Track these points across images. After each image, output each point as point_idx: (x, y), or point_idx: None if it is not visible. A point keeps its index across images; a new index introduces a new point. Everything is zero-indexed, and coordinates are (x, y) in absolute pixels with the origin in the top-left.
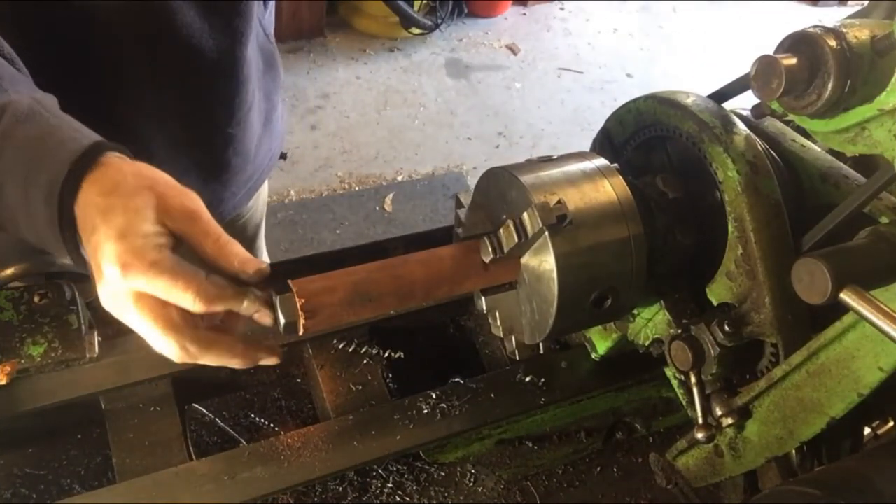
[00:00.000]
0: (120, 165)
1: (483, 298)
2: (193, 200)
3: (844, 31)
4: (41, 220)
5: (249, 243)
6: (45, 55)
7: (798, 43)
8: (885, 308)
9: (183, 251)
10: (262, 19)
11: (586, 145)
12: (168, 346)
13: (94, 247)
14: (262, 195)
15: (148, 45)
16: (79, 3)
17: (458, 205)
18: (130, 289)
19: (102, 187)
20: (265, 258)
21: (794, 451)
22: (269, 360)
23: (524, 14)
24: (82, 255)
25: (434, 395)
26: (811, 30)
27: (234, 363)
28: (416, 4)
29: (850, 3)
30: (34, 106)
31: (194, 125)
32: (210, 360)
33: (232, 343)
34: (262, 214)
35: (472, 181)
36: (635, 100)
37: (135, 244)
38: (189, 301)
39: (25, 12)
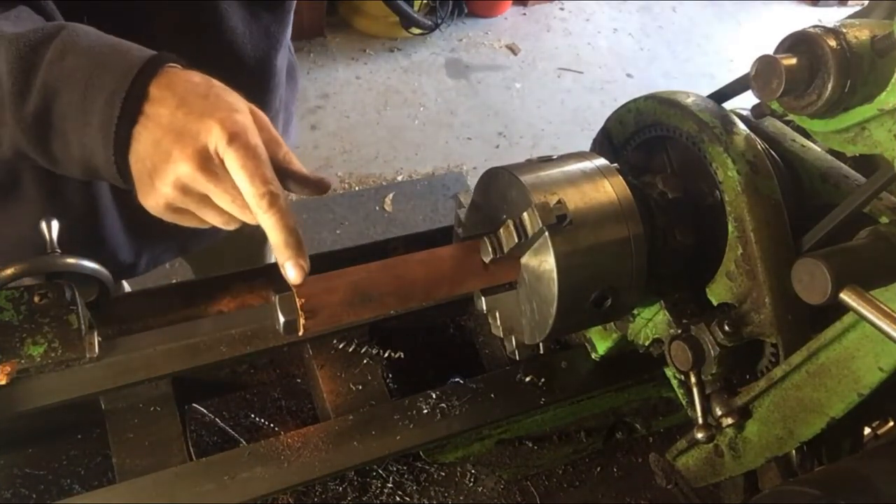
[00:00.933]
0: (188, 73)
1: (483, 298)
2: (255, 110)
3: (844, 31)
4: (96, 122)
5: (259, 245)
6: None
7: (798, 43)
8: (885, 308)
9: None
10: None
11: (586, 145)
12: (230, 207)
13: (181, 124)
14: None
15: (191, 45)
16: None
17: (458, 205)
18: (222, 155)
19: (176, 91)
20: (271, 259)
21: (794, 451)
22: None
23: (524, 14)
24: (128, 170)
25: (434, 395)
26: (811, 30)
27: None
28: (416, 4)
29: (850, 3)
30: (91, 28)
31: None
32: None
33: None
34: None
35: (472, 181)
36: (635, 100)
37: (246, 121)
38: (258, 194)
39: (71, 6)
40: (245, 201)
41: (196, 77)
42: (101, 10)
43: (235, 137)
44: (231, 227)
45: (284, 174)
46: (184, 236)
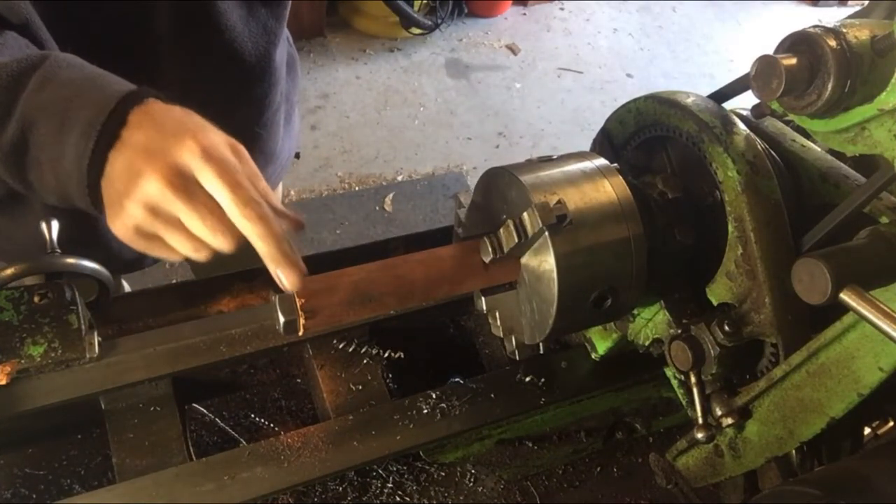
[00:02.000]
0: (167, 106)
1: (483, 298)
2: (237, 143)
3: (844, 31)
4: (70, 156)
5: None
6: (84, 46)
7: (798, 43)
8: (885, 308)
9: None
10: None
11: (586, 145)
12: (215, 239)
13: (153, 144)
14: (277, 193)
15: (191, 44)
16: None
17: (458, 205)
18: (195, 173)
19: (154, 121)
20: None
21: (794, 451)
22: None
23: (524, 14)
24: (100, 197)
25: (434, 395)
26: (811, 30)
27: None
28: (416, 4)
29: (850, 3)
30: (75, 58)
31: (225, 125)
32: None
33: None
34: None
35: (472, 181)
36: (635, 100)
37: (219, 140)
38: (243, 211)
39: (70, 7)
40: (216, 223)
41: (177, 109)
42: (99, 10)
43: (210, 151)
44: (201, 255)
45: None
46: None
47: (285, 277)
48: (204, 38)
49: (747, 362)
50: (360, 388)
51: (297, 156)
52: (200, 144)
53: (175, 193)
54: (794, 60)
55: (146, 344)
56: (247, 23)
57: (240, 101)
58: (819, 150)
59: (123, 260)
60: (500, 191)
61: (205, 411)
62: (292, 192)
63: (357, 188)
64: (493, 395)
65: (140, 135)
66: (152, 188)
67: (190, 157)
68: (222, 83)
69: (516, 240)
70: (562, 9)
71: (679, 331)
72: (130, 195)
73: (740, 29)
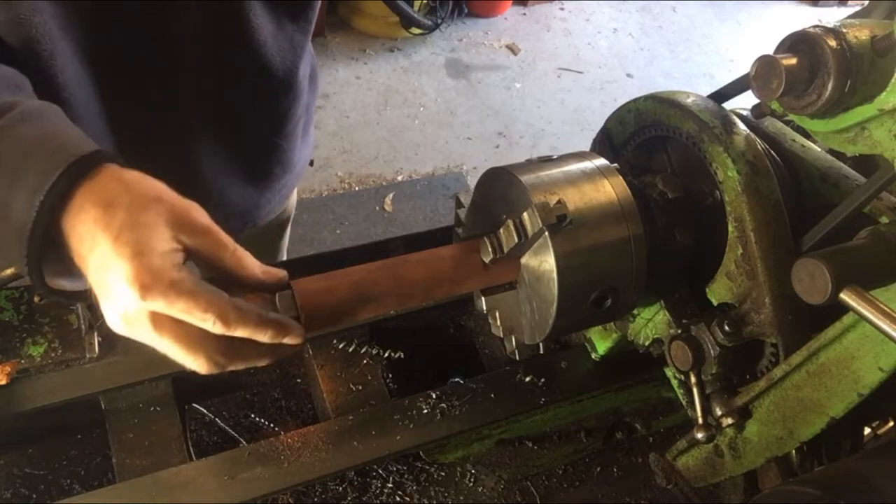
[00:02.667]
0: (120, 174)
1: (483, 298)
2: (202, 213)
3: (844, 31)
4: (14, 221)
5: (272, 243)
6: (115, 66)
7: (798, 43)
8: (885, 308)
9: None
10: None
11: (586, 145)
12: (195, 363)
13: (100, 264)
14: (292, 199)
15: (220, 60)
16: (157, 14)
17: (458, 205)
18: (147, 309)
19: (101, 198)
20: (283, 256)
21: (794, 451)
22: (294, 340)
23: (524, 14)
24: (41, 271)
25: (434, 395)
26: (811, 30)
27: (263, 361)
28: (416, 4)
29: (850, 3)
30: (45, 109)
31: (249, 136)
32: (239, 365)
33: (256, 342)
34: (289, 215)
35: (472, 181)
36: (635, 100)
37: (152, 263)
38: (209, 323)
39: (103, 15)
40: (224, 315)
41: (129, 184)
42: (129, 31)
43: (147, 291)
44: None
45: (233, 279)
46: None
47: (290, 341)
48: (235, 55)
49: (747, 362)
50: (360, 388)
51: (311, 163)
52: (137, 284)
53: (150, 317)
54: (794, 60)
55: (146, 344)
56: (276, 38)
57: (263, 115)
58: (819, 150)
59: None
60: (500, 191)
61: (205, 411)
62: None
63: (357, 188)
64: (493, 395)
65: (83, 229)
66: (124, 315)
67: (131, 301)
68: (249, 97)
69: (516, 240)
70: (562, 9)
71: (679, 331)
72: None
73: (740, 29)
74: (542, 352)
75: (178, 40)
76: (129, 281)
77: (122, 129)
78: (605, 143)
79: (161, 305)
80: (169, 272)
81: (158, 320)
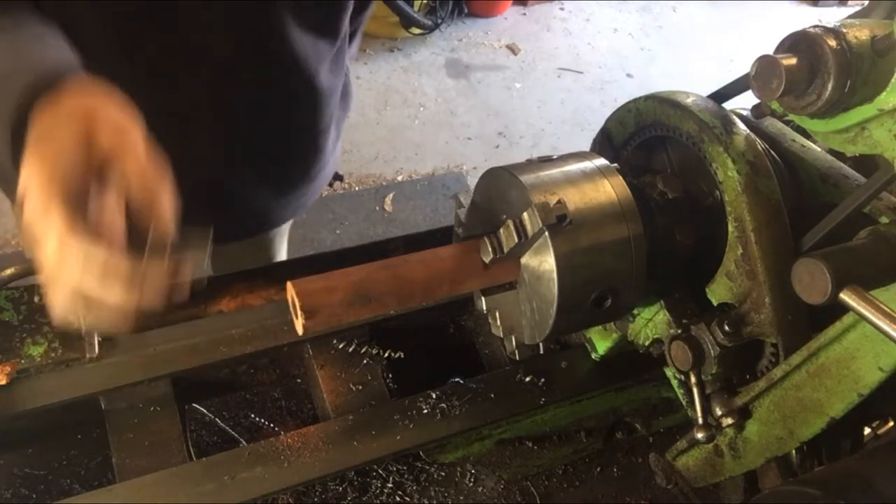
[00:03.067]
0: (71, 90)
1: (483, 298)
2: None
3: (844, 31)
4: (2, 141)
5: (273, 244)
6: (141, 72)
7: (798, 43)
8: (885, 308)
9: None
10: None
11: (586, 145)
12: (95, 280)
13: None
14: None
15: (259, 72)
16: (195, 33)
17: (458, 205)
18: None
19: (45, 114)
20: (282, 256)
21: (794, 451)
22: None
23: (524, 14)
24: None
25: (434, 395)
26: (811, 30)
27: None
28: (416, 4)
29: (850, 3)
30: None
31: (263, 140)
32: (141, 295)
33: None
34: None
35: (472, 181)
36: (635, 100)
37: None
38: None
39: (135, 35)
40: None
41: (69, 100)
42: (156, 37)
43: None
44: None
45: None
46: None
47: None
48: (255, 54)
49: (747, 362)
50: (360, 388)
51: (340, 178)
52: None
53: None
54: (794, 60)
55: (146, 344)
56: (299, 43)
57: (281, 120)
58: (819, 150)
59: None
60: (500, 191)
61: (205, 411)
62: None
63: (357, 188)
64: (493, 395)
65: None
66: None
67: (55, 239)
68: (263, 100)
69: (516, 240)
70: (562, 9)
71: (679, 331)
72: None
73: (740, 29)
74: (542, 352)
75: (200, 39)
76: (29, 189)
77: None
78: (605, 143)
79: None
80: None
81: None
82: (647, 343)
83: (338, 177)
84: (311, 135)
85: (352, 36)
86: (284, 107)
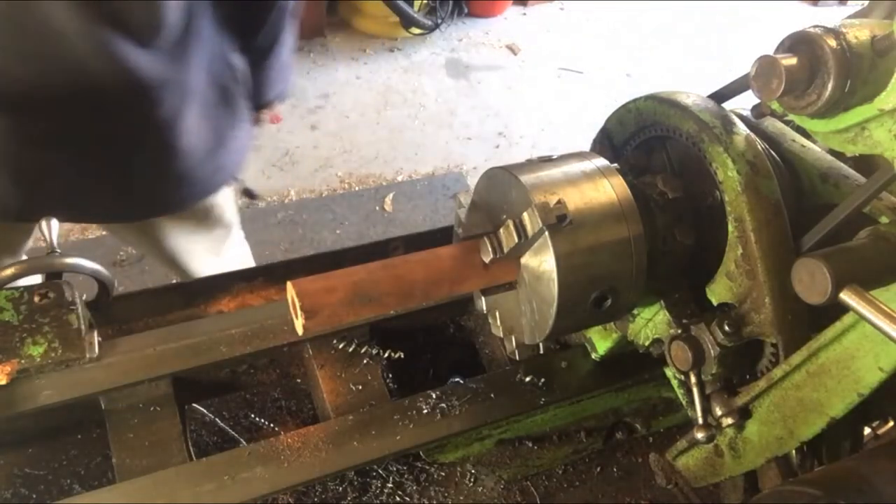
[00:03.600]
0: None
1: (483, 298)
2: None
3: (844, 31)
4: None
5: (215, 217)
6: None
7: (798, 43)
8: (885, 308)
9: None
10: (229, 55)
11: (586, 145)
12: None
13: None
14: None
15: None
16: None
17: (458, 205)
18: None
19: None
20: (245, 250)
21: (794, 451)
22: None
23: (524, 14)
24: None
25: (434, 395)
26: (811, 30)
27: None
28: (416, 4)
29: (850, 3)
30: None
31: (97, 142)
32: None
33: None
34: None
35: (472, 181)
36: (635, 100)
37: None
38: None
39: None
40: None
41: None
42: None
43: None
44: None
45: None
46: (81, 200)
47: None
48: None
49: (747, 362)
50: (360, 388)
51: (252, 195)
52: None
53: None
54: (794, 60)
55: (146, 344)
56: (86, 41)
57: (102, 121)
58: (819, 150)
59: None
60: (500, 191)
61: (205, 411)
62: (292, 193)
63: (357, 188)
64: (493, 395)
65: None
66: None
67: None
68: (123, 107)
69: (516, 240)
70: (562, 9)
71: (679, 331)
72: None
73: (740, 29)
74: (542, 352)
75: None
76: None
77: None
78: (605, 143)
79: None
80: None
81: None
82: (647, 343)
83: (249, 194)
84: (145, 135)
85: (268, 49)
86: (101, 102)
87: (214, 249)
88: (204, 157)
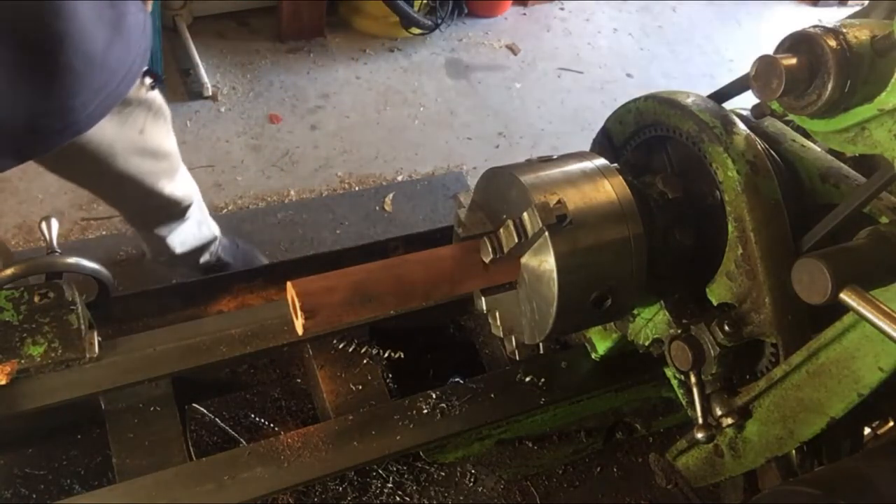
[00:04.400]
0: None
1: (483, 298)
2: None
3: (844, 31)
4: None
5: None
6: None
7: (798, 43)
8: (885, 308)
9: None
10: None
11: (586, 145)
12: None
13: None
14: (135, 121)
15: None
16: None
17: (458, 205)
18: None
19: None
20: (212, 226)
21: (794, 451)
22: None
23: (524, 14)
24: None
25: (434, 395)
26: (811, 30)
27: None
28: (416, 4)
29: (850, 3)
30: None
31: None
32: None
33: None
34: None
35: (472, 181)
36: (635, 100)
37: None
38: None
39: None
40: None
41: None
42: None
43: None
44: None
45: None
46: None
47: None
48: None
49: (747, 362)
50: (360, 388)
51: (158, 78)
52: None
53: None
54: (794, 60)
55: (146, 344)
56: None
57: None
58: (819, 150)
59: None
60: (500, 191)
61: (205, 411)
62: (292, 193)
63: (357, 188)
64: (493, 395)
65: None
66: None
67: None
68: None
69: (516, 240)
70: (562, 9)
71: (679, 331)
72: None
73: (740, 29)
74: (542, 352)
75: None
76: None
77: None
78: (605, 143)
79: None
80: None
81: None
82: (647, 343)
83: (152, 75)
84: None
85: None
86: None
87: (160, 155)
88: (103, 49)
